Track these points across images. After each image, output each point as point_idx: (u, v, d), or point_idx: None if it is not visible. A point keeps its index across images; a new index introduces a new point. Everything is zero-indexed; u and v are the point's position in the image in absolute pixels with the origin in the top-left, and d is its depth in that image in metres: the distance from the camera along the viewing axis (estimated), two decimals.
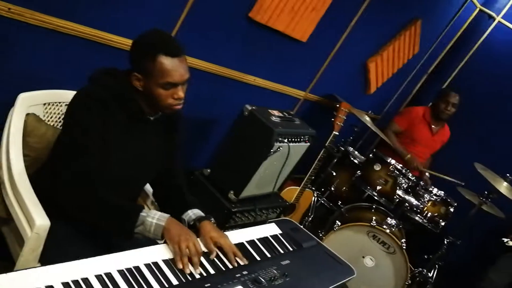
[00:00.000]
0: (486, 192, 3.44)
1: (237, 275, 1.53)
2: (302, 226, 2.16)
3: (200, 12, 2.33)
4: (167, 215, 1.56)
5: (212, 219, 1.74)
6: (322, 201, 3.69)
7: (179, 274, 1.42)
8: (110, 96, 1.57)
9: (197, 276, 1.45)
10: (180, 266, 1.43)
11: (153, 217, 1.53)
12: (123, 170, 1.67)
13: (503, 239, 3.77)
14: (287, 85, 3.23)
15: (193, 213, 1.75)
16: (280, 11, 2.63)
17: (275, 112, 2.62)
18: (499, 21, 4.35)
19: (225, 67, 2.70)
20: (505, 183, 3.36)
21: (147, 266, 1.39)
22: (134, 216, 1.52)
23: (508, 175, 3.40)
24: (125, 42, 2.13)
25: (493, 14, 4.34)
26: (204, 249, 1.59)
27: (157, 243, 1.54)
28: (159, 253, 1.47)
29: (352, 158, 3.74)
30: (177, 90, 1.59)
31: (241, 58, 2.77)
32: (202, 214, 1.76)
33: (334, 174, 3.69)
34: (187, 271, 1.43)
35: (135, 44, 1.61)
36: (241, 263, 1.61)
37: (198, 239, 1.58)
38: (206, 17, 2.39)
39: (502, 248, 3.74)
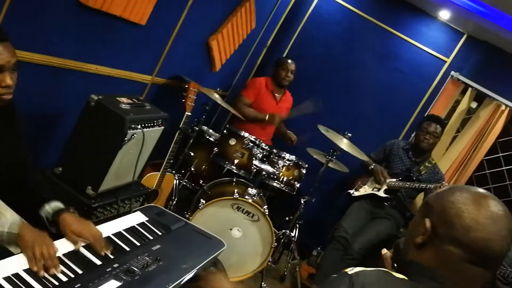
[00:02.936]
0: (331, 150, 3.80)
1: (108, 270, 1.49)
2: (167, 210, 2.16)
3: (26, 0, 2.14)
4: (19, 221, 1.45)
5: (72, 209, 1.67)
6: (184, 183, 3.71)
7: (45, 281, 1.34)
8: None
9: (64, 279, 1.38)
10: (36, 270, 1.36)
11: (4, 225, 1.42)
12: None
13: (349, 190, 4.20)
14: (132, 70, 3.14)
15: (51, 207, 1.65)
16: None
17: (124, 100, 2.53)
18: None
19: (62, 58, 2.53)
20: (345, 140, 3.73)
21: (7, 279, 1.28)
22: None
23: (346, 132, 3.78)
24: None
25: None
26: (69, 248, 1.52)
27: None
28: (18, 263, 1.37)
29: (207, 137, 3.80)
30: (4, 77, 1.49)
31: (79, 47, 2.61)
32: (61, 205, 1.67)
33: (192, 154, 3.72)
34: (41, 274, 1.36)
35: None
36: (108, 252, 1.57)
37: (60, 239, 1.50)
38: (34, 5, 2.20)
39: (349, 198, 4.16)
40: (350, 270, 1.13)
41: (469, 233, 1.06)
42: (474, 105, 4.60)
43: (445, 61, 4.48)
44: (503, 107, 4.30)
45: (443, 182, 3.78)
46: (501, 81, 4.36)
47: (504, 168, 4.66)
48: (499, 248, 1.06)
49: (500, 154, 4.67)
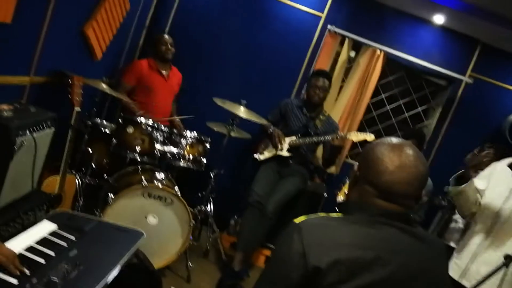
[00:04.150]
0: (230, 120, 3.85)
1: (27, 286, 1.42)
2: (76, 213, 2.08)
3: None
4: None
5: None
6: (87, 181, 3.57)
7: None
8: None
9: None
10: None
11: None
12: None
13: (254, 155, 4.31)
14: (6, 74, 2.91)
15: None
16: None
17: (4, 107, 2.35)
18: None
19: None
20: (242, 108, 3.80)
21: None
22: None
23: (241, 100, 3.85)
24: None
25: None
26: None
27: None
28: None
29: (102, 129, 3.67)
30: None
31: None
32: None
33: (90, 150, 3.58)
34: None
35: None
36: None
37: None
38: None
39: (256, 163, 4.28)
40: (297, 220, 1.31)
41: (379, 177, 1.32)
42: (353, 54, 4.89)
43: (320, 16, 4.68)
44: (378, 51, 4.61)
45: (339, 132, 4.01)
46: (372, 28, 4.67)
47: (388, 107, 5.05)
48: (403, 191, 1.31)
49: (383, 95, 5.05)
